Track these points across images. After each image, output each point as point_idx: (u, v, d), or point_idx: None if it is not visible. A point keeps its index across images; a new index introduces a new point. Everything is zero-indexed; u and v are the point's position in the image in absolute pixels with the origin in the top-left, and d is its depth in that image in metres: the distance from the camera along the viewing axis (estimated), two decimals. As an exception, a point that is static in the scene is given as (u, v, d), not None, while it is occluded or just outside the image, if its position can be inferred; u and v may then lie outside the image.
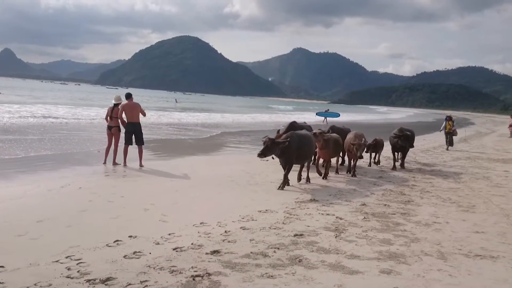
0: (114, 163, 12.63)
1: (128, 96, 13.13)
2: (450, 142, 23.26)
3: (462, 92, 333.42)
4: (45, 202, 8.17)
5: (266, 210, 8.25)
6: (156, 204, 8.36)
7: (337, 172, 12.85)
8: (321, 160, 12.67)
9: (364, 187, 11.14)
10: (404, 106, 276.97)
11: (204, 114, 46.14)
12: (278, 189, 10.22)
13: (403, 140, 14.37)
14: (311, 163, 12.54)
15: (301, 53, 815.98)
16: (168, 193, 9.45)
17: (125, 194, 9.10)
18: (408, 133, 14.60)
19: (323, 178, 11.97)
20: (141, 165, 12.58)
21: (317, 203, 9.04)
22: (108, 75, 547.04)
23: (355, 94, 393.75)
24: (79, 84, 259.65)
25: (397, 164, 14.74)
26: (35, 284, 4.64)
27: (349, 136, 12.79)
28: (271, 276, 5.05)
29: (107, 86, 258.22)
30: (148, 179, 10.97)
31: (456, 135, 24.35)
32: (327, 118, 28.43)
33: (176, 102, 68.29)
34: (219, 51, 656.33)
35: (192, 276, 4.97)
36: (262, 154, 9.97)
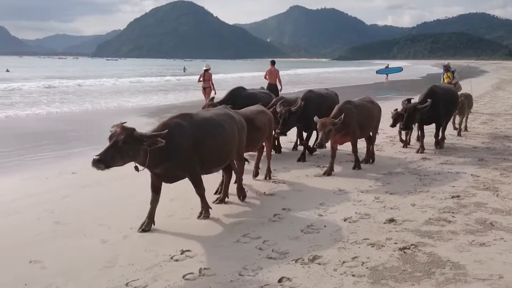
0: None
1: (273, 63, 15.78)
2: None
3: (464, 40, 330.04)
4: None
5: (390, 173, 7.82)
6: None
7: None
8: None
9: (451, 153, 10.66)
10: (406, 58, 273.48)
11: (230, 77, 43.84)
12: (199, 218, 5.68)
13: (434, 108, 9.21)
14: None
15: (298, 11, 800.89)
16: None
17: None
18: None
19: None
20: None
21: (431, 161, 8.66)
22: (105, 47, 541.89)
23: (356, 49, 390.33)
24: (77, 58, 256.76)
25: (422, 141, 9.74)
26: (244, 268, 4.24)
27: None
28: (483, 244, 4.64)
29: (107, 58, 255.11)
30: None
31: (460, 91, 13.91)
32: (389, 74, 26.61)
33: (185, 71, 65.73)
34: (214, 15, 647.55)
35: (399, 249, 4.56)
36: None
